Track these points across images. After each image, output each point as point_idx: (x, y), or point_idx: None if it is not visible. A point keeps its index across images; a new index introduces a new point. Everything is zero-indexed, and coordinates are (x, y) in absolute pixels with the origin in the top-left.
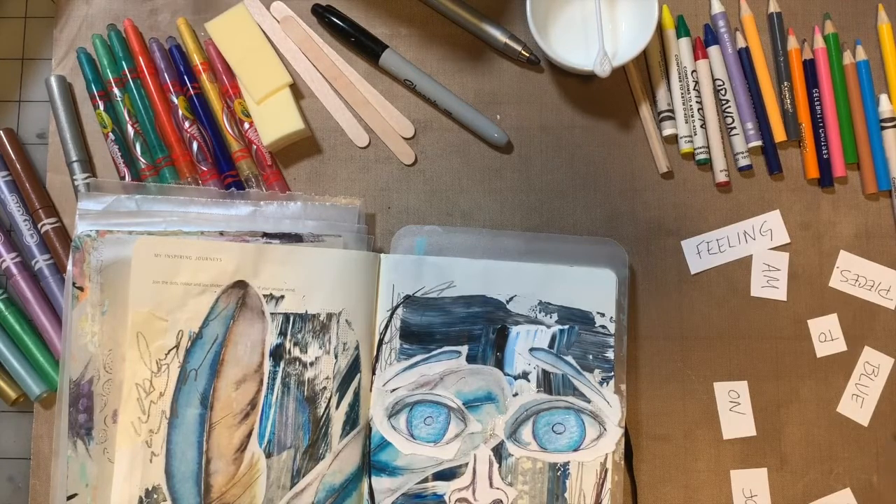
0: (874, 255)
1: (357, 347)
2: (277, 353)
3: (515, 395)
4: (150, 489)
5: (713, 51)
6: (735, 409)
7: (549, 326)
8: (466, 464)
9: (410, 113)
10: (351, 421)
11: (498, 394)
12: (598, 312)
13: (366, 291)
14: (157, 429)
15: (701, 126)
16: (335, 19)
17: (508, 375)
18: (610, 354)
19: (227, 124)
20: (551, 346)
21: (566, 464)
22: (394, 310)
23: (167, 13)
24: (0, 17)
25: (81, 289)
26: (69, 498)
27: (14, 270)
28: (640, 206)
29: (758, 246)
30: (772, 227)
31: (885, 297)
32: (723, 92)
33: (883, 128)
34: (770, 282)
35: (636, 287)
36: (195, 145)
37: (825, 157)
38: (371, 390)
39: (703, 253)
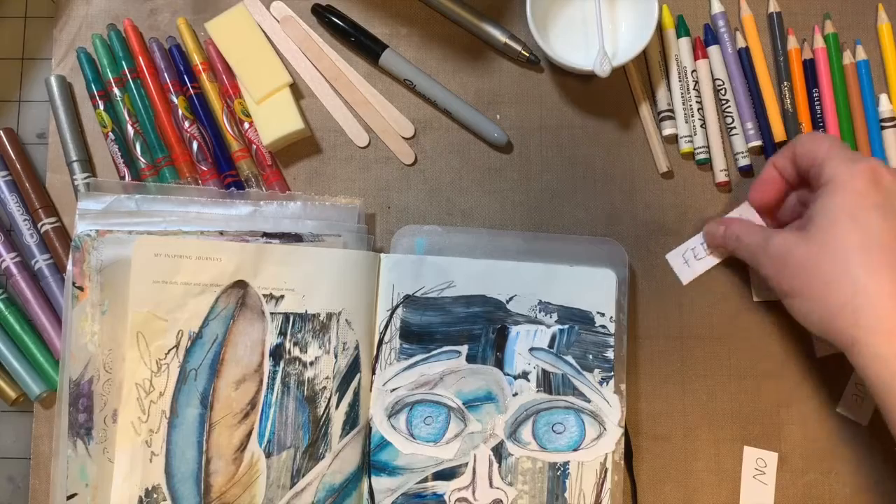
0: None
1: (357, 347)
2: (277, 353)
3: (515, 394)
4: (150, 489)
5: (713, 51)
6: (758, 478)
7: (548, 326)
8: (466, 463)
9: (410, 113)
10: (351, 421)
11: (498, 393)
12: (598, 312)
13: (366, 291)
14: (157, 428)
15: (701, 126)
16: (335, 19)
17: (508, 375)
18: (610, 354)
19: (227, 124)
20: (551, 345)
21: (566, 463)
22: (394, 309)
23: (167, 13)
24: (0, 17)
25: (81, 289)
26: (69, 498)
27: (14, 270)
28: (640, 206)
29: None
30: (748, 220)
31: None
32: (723, 92)
33: (883, 128)
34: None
35: (636, 287)
36: (195, 145)
37: None
38: (371, 390)
39: (689, 261)
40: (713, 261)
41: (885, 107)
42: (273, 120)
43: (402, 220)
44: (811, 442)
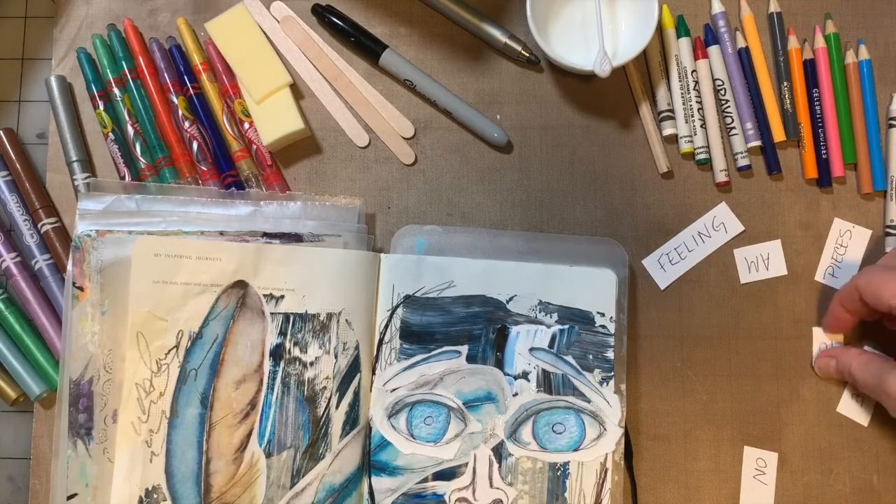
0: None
1: (357, 347)
2: (277, 353)
3: (515, 394)
4: (150, 489)
5: (713, 51)
6: (758, 478)
7: (549, 326)
8: (466, 464)
9: (410, 113)
10: (351, 421)
11: (498, 393)
12: (598, 312)
13: (366, 291)
14: (157, 429)
15: (701, 126)
16: (335, 19)
17: (508, 375)
18: (610, 354)
19: (227, 124)
20: (551, 345)
21: (566, 464)
22: (394, 310)
23: (167, 13)
24: (0, 17)
25: (81, 289)
26: (69, 498)
27: (14, 270)
28: (640, 206)
29: (715, 242)
30: (724, 221)
31: None
32: (723, 92)
33: (891, 125)
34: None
35: (636, 287)
36: (195, 145)
37: (824, 157)
38: (371, 390)
39: (665, 266)
40: (688, 263)
41: None
42: (273, 120)
43: (402, 220)
44: (811, 442)
